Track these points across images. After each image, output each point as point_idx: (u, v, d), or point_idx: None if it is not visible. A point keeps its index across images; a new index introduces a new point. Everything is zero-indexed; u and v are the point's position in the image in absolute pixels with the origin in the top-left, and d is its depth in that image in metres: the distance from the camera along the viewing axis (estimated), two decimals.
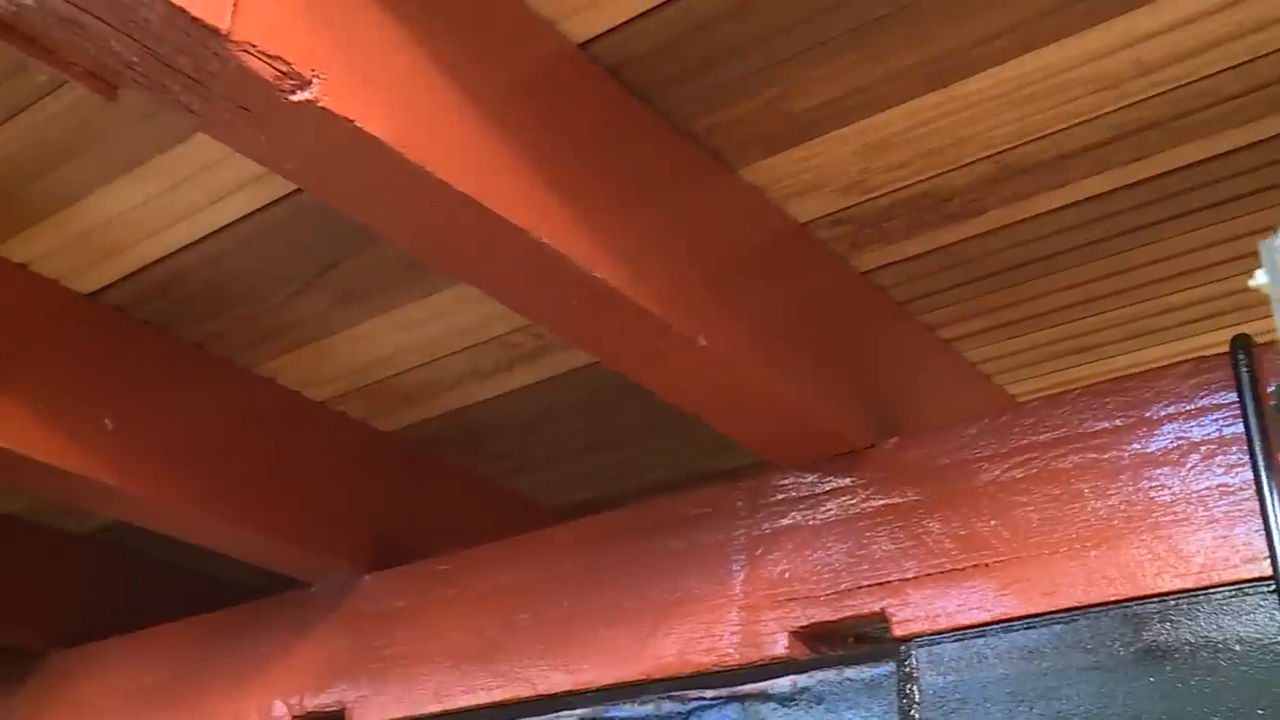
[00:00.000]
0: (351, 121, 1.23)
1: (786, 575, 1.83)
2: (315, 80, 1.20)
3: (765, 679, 1.81)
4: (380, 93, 1.26)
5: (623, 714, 1.93)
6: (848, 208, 1.78)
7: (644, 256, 1.54)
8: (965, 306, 2.01)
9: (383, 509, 2.43)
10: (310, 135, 1.25)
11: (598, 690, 1.96)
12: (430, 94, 1.32)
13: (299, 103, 1.20)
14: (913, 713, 1.64)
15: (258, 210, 1.85)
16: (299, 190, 1.81)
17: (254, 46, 1.16)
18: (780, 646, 1.80)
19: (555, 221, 1.42)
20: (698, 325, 1.58)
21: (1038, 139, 1.66)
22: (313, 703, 2.30)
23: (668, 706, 1.89)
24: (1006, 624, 1.60)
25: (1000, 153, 1.69)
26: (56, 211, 1.88)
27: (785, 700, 1.76)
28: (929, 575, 1.70)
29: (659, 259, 1.56)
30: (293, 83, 1.19)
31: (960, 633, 1.64)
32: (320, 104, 1.21)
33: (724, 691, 1.84)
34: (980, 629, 1.62)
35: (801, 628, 1.79)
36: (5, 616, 2.80)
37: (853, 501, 1.83)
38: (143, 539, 2.94)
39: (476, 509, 2.62)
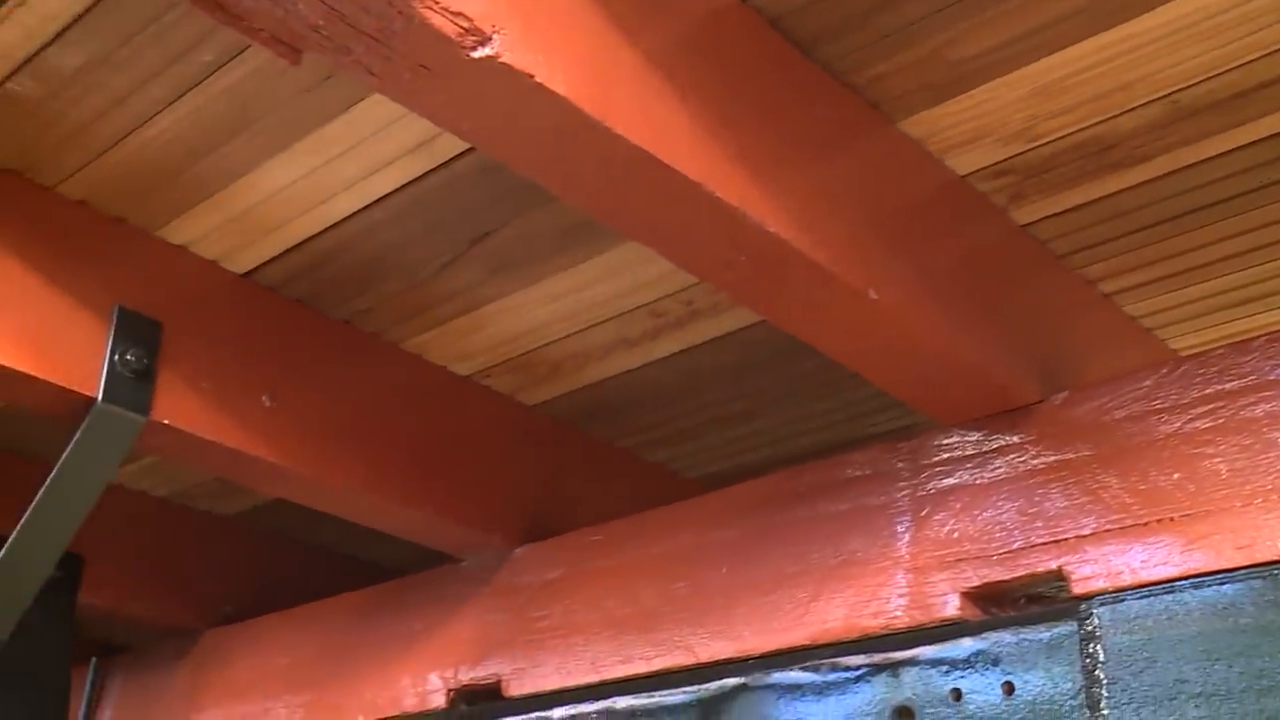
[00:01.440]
0: (531, 77, 1.22)
1: (955, 535, 1.80)
2: (495, 36, 1.20)
3: (936, 642, 1.77)
4: (558, 48, 1.25)
5: (787, 680, 1.90)
6: (1010, 158, 1.74)
7: (813, 210, 1.51)
8: (1127, 258, 1.95)
9: (530, 483, 2.43)
10: (490, 92, 1.24)
11: (760, 657, 1.94)
12: (604, 48, 1.31)
13: (480, 59, 1.20)
14: (1097, 672, 1.59)
15: (410, 183, 1.86)
16: (452, 160, 1.81)
17: (437, 3, 1.16)
18: (951, 608, 1.76)
19: (727, 176, 1.40)
20: (868, 279, 1.56)
21: (1212, 77, 1.60)
22: (468, 676, 2.31)
23: (834, 672, 1.86)
24: (1197, 579, 1.55)
25: (1172, 94, 1.63)
26: (215, 192, 1.91)
27: (960, 664, 1.73)
28: (1108, 531, 1.65)
29: (827, 213, 1.53)
30: (474, 39, 1.19)
31: (1145, 590, 1.59)
32: (501, 60, 1.20)
33: (894, 656, 1.80)
34: (1168, 585, 1.57)
35: (973, 588, 1.75)
36: (163, 597, 2.87)
37: (1022, 459, 1.78)
38: (287, 521, 3.01)
39: (620, 482, 2.62)
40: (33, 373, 1.81)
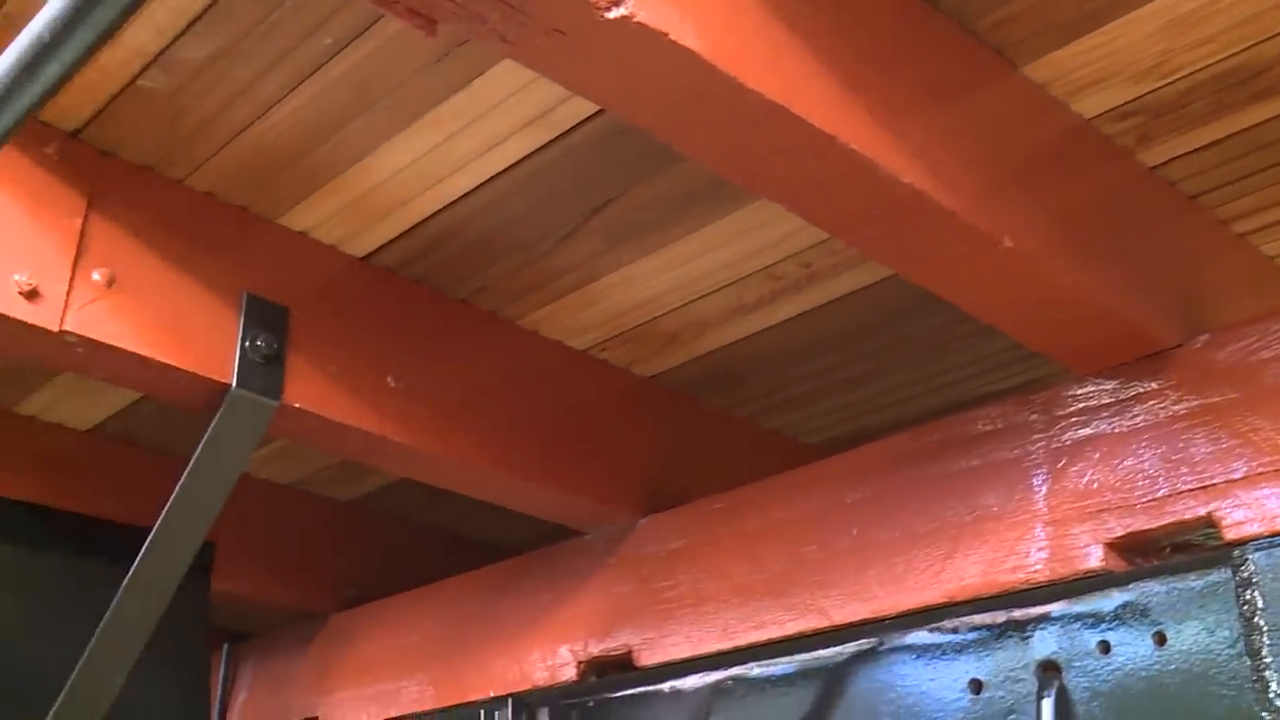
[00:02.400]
0: (665, 35, 1.22)
1: (1095, 485, 1.76)
2: None
3: (1080, 595, 1.74)
4: (689, 5, 1.24)
5: (924, 640, 1.89)
6: (1138, 97, 1.69)
7: (944, 159, 1.49)
8: (1262, 196, 1.89)
9: (649, 454, 2.44)
10: (624, 53, 1.24)
11: (896, 617, 1.92)
12: (734, 4, 1.30)
13: (614, 20, 1.19)
14: (1257, 619, 1.55)
15: (527, 156, 1.87)
16: (569, 132, 1.82)
17: None
18: (1094, 560, 1.73)
19: (859, 127, 1.39)
20: (1001, 227, 1.53)
21: None
22: (598, 647, 2.32)
23: (974, 630, 1.84)
24: None
25: None
26: (334, 177, 1.93)
27: (1107, 616, 1.69)
28: (1261, 475, 1.61)
29: (958, 161, 1.51)
30: (607, 0, 1.19)
31: None
32: (635, 19, 1.20)
33: (1035, 611, 1.78)
34: None
35: (1117, 539, 1.72)
36: (291, 582, 2.92)
37: (1163, 405, 1.74)
38: (405, 504, 3.05)
39: (737, 451, 2.61)
40: (170, 362, 1.84)
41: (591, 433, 2.35)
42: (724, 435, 2.60)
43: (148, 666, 2.21)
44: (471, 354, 2.22)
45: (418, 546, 3.08)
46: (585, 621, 2.37)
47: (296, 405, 1.95)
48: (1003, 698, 1.78)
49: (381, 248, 2.10)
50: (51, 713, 2.09)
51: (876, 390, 2.53)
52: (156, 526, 1.99)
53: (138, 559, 2.02)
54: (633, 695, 2.27)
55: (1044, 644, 1.76)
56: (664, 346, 2.36)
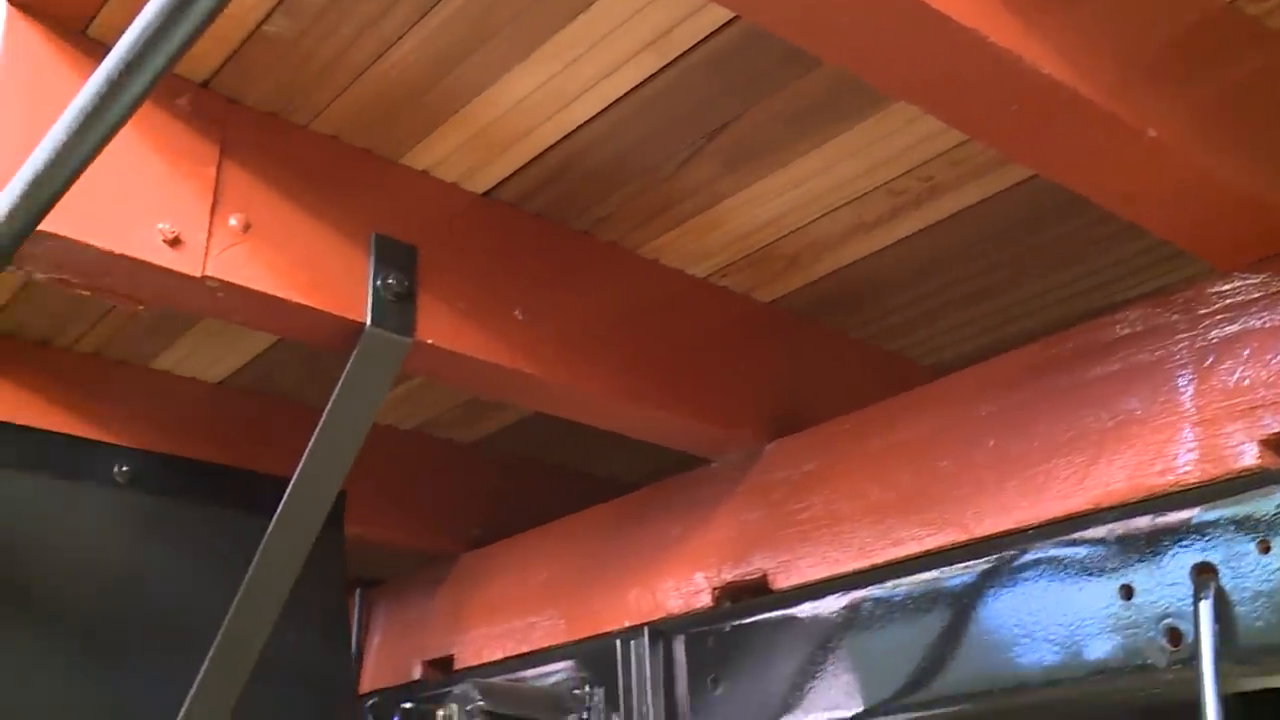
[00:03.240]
0: None
1: (1247, 383, 1.72)
2: None
3: (1235, 495, 1.70)
4: None
5: (1071, 549, 1.86)
6: None
7: (1082, 49, 1.45)
8: None
9: (771, 380, 2.44)
10: None
11: (1040, 526, 1.90)
12: None
13: None
14: None
15: (645, 80, 1.86)
16: (686, 53, 1.80)
17: None
18: (1249, 458, 1.69)
19: (997, 20, 1.36)
20: (1145, 117, 1.49)
21: None
22: (732, 573, 2.33)
23: (1122, 538, 1.81)
24: None
25: None
26: (454, 113, 1.94)
27: (1266, 515, 1.66)
28: None
29: (1096, 51, 1.47)
30: None
31: None
32: None
33: (1187, 513, 1.74)
34: None
35: (1273, 435, 1.68)
36: (420, 525, 2.98)
37: None
38: (526, 443, 3.08)
39: (858, 374, 2.60)
40: (307, 303, 1.88)
41: (715, 360, 2.36)
42: (844, 359, 2.59)
43: (291, 612, 2.27)
44: (594, 285, 2.23)
45: (541, 486, 3.12)
46: (718, 548, 2.38)
47: (429, 342, 1.97)
48: (1155, 602, 1.76)
49: (502, 183, 2.11)
50: (208, 658, 2.15)
51: (997, 306, 2.50)
52: (299, 469, 2.04)
53: (281, 504, 2.06)
54: (769, 619, 2.28)
55: (1198, 547, 1.72)
56: (783, 270, 2.35)
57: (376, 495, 2.91)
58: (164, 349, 2.59)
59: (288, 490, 2.05)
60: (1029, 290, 2.43)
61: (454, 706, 2.43)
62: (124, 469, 2.54)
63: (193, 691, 2.15)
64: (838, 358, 2.58)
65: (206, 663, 2.14)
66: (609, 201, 2.16)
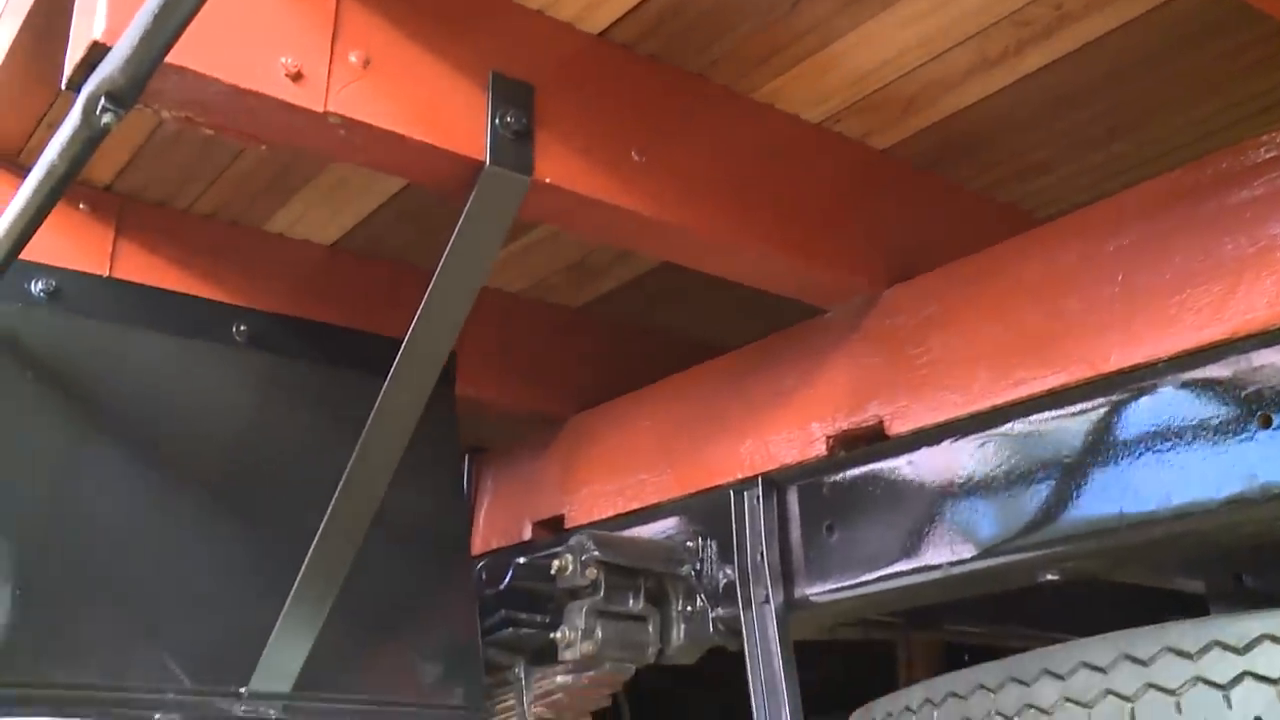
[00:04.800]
0: None
1: None
2: None
3: None
4: None
5: (1207, 378, 1.82)
6: None
7: None
8: None
9: (885, 228, 2.40)
10: None
11: (1173, 358, 1.86)
12: None
13: None
14: None
15: None
16: None
17: None
18: None
19: None
20: None
21: None
22: (847, 421, 2.32)
23: (1262, 366, 1.76)
24: None
25: None
26: None
27: None
28: None
29: None
30: None
31: None
32: None
33: None
34: None
35: None
36: (528, 387, 3.01)
37: None
38: (631, 307, 3.08)
39: (975, 225, 2.55)
40: (427, 140, 1.88)
41: (830, 206, 2.32)
42: (961, 210, 2.55)
43: (405, 471, 2.31)
44: (710, 129, 2.20)
45: (650, 350, 3.12)
46: (833, 397, 2.37)
47: (547, 180, 1.97)
48: None
49: (616, 23, 2.08)
50: (327, 514, 2.20)
51: (1123, 149, 2.43)
52: (414, 323, 2.04)
53: (396, 359, 2.08)
54: (885, 467, 2.27)
55: None
56: (900, 114, 2.30)
57: (486, 358, 2.94)
58: (277, 209, 2.62)
59: (403, 345, 2.07)
60: (1159, 130, 2.35)
61: (569, 557, 2.47)
62: (242, 329, 2.59)
63: (313, 547, 2.20)
64: (954, 209, 2.54)
65: (325, 519, 2.19)
66: (723, 42, 2.12)
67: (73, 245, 2.43)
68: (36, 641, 2.11)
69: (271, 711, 2.27)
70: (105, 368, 2.40)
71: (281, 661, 2.25)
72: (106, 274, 2.46)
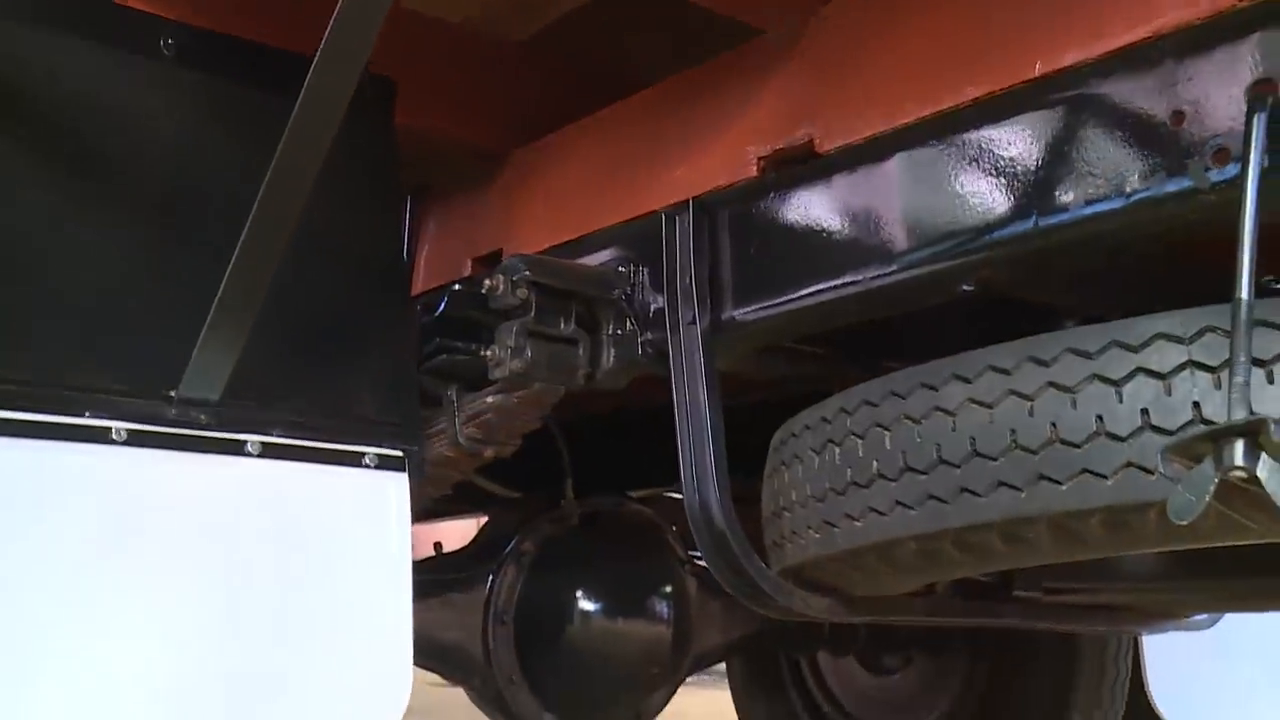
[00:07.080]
0: None
1: None
2: None
3: None
4: None
5: (1118, 84, 1.81)
6: None
7: None
8: None
9: None
10: None
11: (1095, 61, 1.84)
12: None
13: None
14: None
15: None
16: None
17: None
18: None
19: None
20: None
21: None
22: (781, 141, 2.31)
23: (1177, 62, 1.75)
24: None
25: None
26: None
27: None
28: None
29: None
30: None
31: None
32: None
33: (1251, 36, 1.68)
34: None
35: None
36: (469, 121, 2.97)
37: None
38: (576, 43, 3.02)
39: None
40: None
41: None
42: None
43: (340, 196, 2.27)
44: None
45: (596, 83, 3.06)
46: (767, 119, 2.35)
47: None
48: (1205, 125, 1.72)
49: None
50: (246, 227, 2.14)
51: None
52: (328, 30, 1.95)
53: (310, 69, 1.99)
54: (813, 186, 2.27)
55: (1259, 65, 1.67)
56: None
57: (427, 89, 2.88)
58: None
59: (314, 61, 1.97)
60: None
61: (500, 277, 2.48)
62: (170, 42, 2.52)
63: (235, 257, 2.17)
64: None
65: (245, 230, 2.15)
66: None
67: None
68: None
69: (202, 416, 2.31)
70: (29, 75, 2.35)
71: (209, 368, 2.27)
72: None
